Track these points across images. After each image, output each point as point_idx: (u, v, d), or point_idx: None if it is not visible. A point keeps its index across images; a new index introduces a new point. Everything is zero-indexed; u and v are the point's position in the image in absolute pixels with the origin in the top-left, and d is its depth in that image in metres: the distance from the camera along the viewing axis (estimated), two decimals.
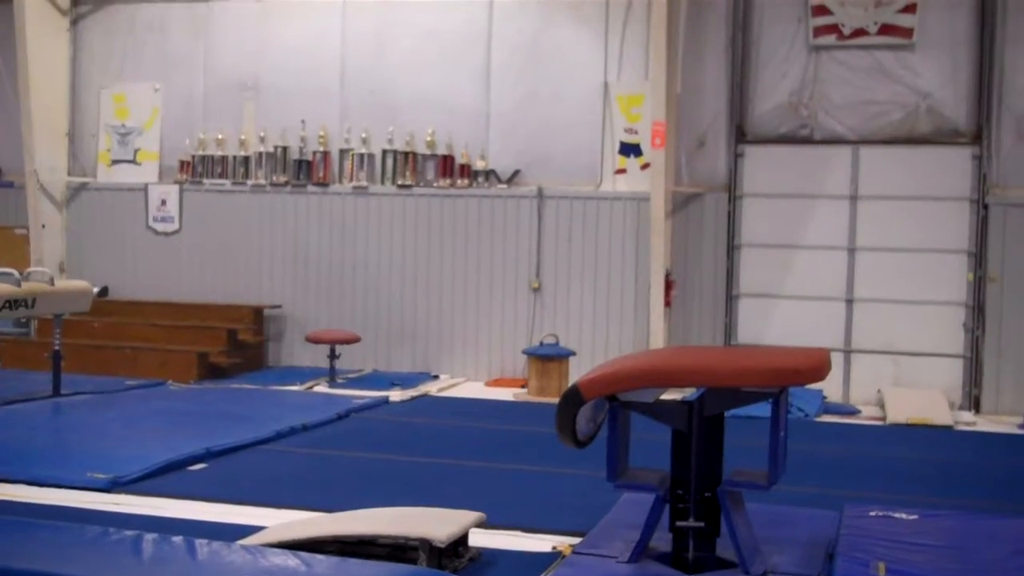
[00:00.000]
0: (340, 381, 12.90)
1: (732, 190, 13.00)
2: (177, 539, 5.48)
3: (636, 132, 13.34)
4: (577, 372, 11.42)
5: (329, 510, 6.59)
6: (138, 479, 7.69)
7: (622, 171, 13.46)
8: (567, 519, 6.83)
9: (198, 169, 14.75)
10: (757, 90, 13.12)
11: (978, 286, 12.39)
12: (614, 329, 13.33)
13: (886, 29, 12.62)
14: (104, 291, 12.26)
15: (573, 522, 6.69)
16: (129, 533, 5.59)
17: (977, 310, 12.41)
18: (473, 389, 13.19)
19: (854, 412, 12.10)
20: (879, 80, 12.74)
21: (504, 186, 13.78)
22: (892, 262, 12.58)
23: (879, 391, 12.45)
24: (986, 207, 12.35)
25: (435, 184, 13.99)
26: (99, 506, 7.03)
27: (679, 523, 5.66)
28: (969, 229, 12.42)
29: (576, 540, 6.23)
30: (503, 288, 13.73)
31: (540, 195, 13.63)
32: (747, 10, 13.08)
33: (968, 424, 11.54)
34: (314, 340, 13.10)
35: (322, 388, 12.65)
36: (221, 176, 14.69)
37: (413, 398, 12.23)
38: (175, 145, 14.89)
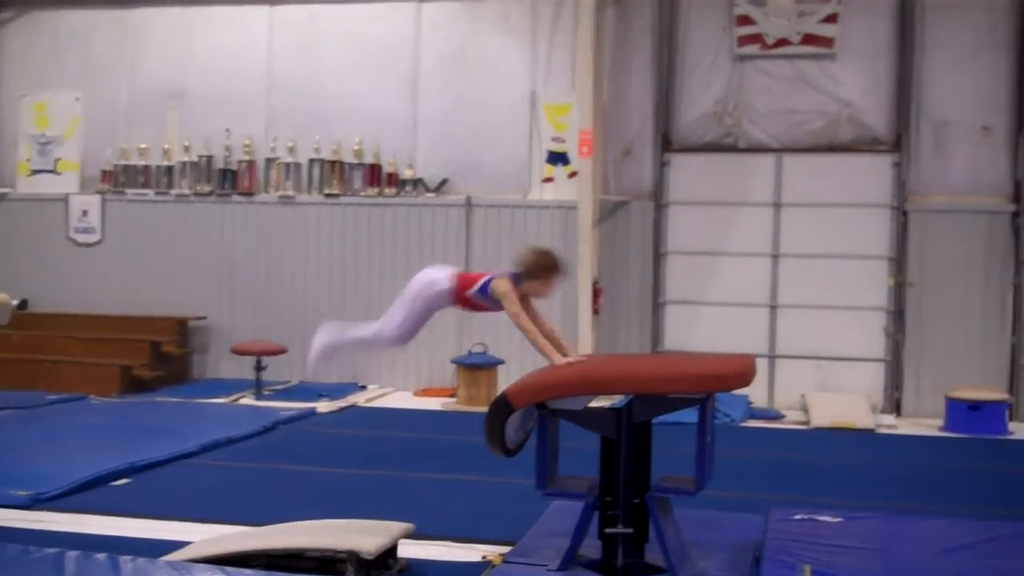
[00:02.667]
0: (266, 393, 12.76)
1: (658, 198, 13.12)
2: (100, 556, 5.38)
3: (563, 141, 13.41)
4: (506, 381, 11.41)
5: (256, 524, 6.51)
6: (60, 495, 7.53)
7: (549, 180, 13.52)
8: (497, 528, 6.82)
9: (120, 179, 14.52)
10: (683, 99, 13.26)
11: (898, 291, 12.63)
12: None
13: (808, 39, 12.83)
14: (23, 304, 12.05)
15: (503, 531, 6.68)
16: (50, 551, 5.48)
17: (897, 315, 12.64)
18: (401, 399, 13.14)
19: (779, 416, 12.26)
20: (802, 89, 12.94)
21: (432, 195, 13.76)
22: (815, 268, 12.78)
23: (803, 396, 12.62)
24: (905, 213, 12.60)
25: (362, 193, 13.92)
26: (19, 524, 6.87)
27: (608, 530, 5.68)
28: (889, 235, 12.66)
29: (506, 549, 6.23)
30: None
31: (468, 204, 13.63)
32: (672, 20, 13.22)
33: (890, 427, 11.74)
34: (240, 352, 12.95)
35: (248, 400, 12.51)
36: (144, 186, 14.48)
37: (341, 409, 12.15)
38: (97, 154, 14.65)
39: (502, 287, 5.98)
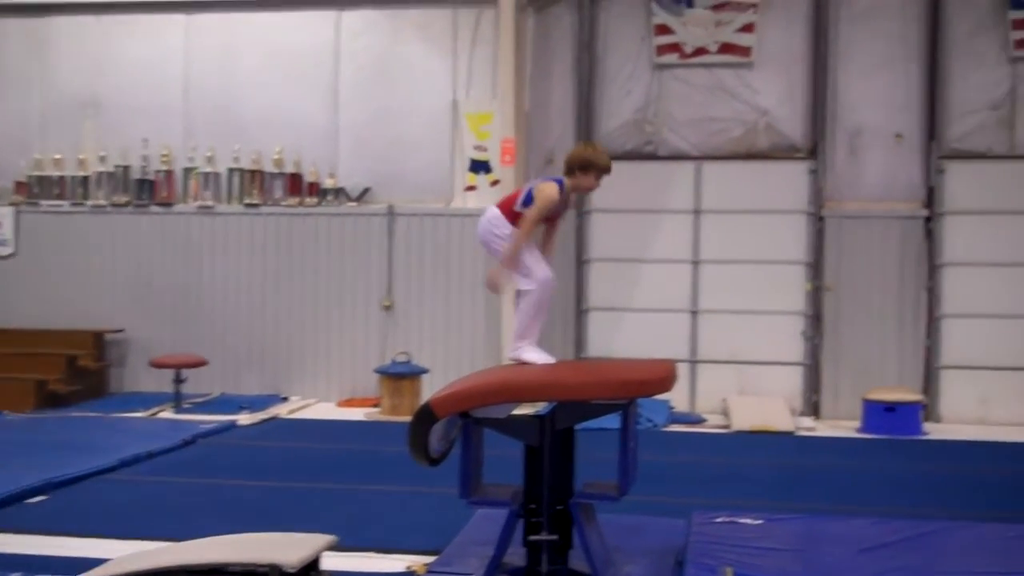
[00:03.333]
0: (186, 406, 12.58)
1: (580, 206, 13.19)
2: (16, 575, 5.26)
3: (485, 149, 13.42)
4: (430, 390, 11.41)
5: (176, 539, 6.41)
6: None
7: (472, 188, 13.52)
8: (421, 538, 6.80)
9: (34, 190, 14.22)
10: (603, 108, 13.35)
11: (815, 296, 12.84)
12: (466, 346, 13.36)
13: (726, 48, 13.00)
14: None
15: (427, 541, 6.66)
16: None
17: (815, 319, 12.85)
18: (324, 410, 13.04)
19: (700, 421, 12.38)
20: (720, 97, 13.11)
21: (354, 204, 13.69)
22: (734, 274, 12.95)
23: (724, 400, 12.77)
24: (822, 219, 12.82)
25: (283, 203, 13.81)
26: None
27: (532, 537, 5.68)
28: (806, 241, 12.87)
29: (431, 559, 6.21)
30: (354, 307, 13.62)
31: (391, 213, 13.59)
32: (592, 29, 13.31)
33: (808, 430, 11.93)
34: (158, 365, 12.75)
35: (167, 414, 12.32)
36: (59, 197, 14.21)
37: (262, 421, 12.01)
38: (9, 165, 14.33)
39: (546, 188, 5.98)
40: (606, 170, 6.14)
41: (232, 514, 7.44)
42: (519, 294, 6.21)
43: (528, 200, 6.00)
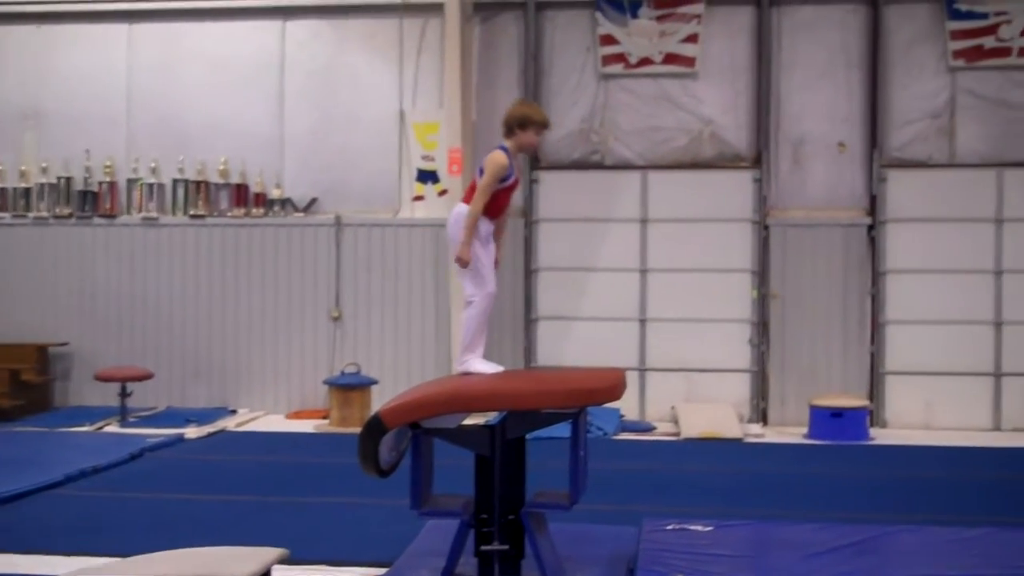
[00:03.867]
0: (132, 420, 12.43)
1: (528, 215, 13.23)
2: None
3: (433, 159, 13.42)
4: (379, 401, 11.36)
5: (124, 555, 6.32)
6: None
7: (420, 198, 13.51)
8: (372, 550, 6.77)
9: None
10: (550, 117, 13.33)
11: (762, 303, 12.96)
12: (416, 356, 13.33)
13: (670, 58, 13.11)
14: None
15: (378, 553, 6.63)
16: None
17: (762, 326, 12.97)
18: (273, 423, 12.94)
19: (650, 429, 12.45)
20: (665, 107, 13.22)
21: (301, 214, 13.62)
22: (681, 282, 13.04)
23: (673, 407, 12.85)
24: (767, 228, 12.95)
25: (229, 214, 13.70)
26: None
27: (484, 547, 5.68)
28: (752, 249, 12.99)
29: (382, 571, 6.19)
30: (302, 318, 13.55)
31: (338, 223, 13.53)
32: (538, 39, 13.36)
33: (756, 436, 12.03)
34: (103, 378, 12.58)
35: (113, 428, 12.16)
36: (0, 209, 14.00)
37: (210, 434, 11.90)
38: None
39: (493, 156, 6.01)
40: (544, 124, 6.20)
41: (180, 529, 7.36)
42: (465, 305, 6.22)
43: (481, 173, 6.06)
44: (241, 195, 13.69)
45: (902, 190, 12.87)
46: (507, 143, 6.12)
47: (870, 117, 12.91)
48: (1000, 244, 12.69)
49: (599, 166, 13.32)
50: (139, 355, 13.48)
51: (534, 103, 6.35)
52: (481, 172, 6.05)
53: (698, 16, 12.99)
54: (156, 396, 13.42)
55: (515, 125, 6.09)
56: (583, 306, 13.22)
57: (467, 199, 6.11)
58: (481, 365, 6.07)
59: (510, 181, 6.11)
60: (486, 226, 6.14)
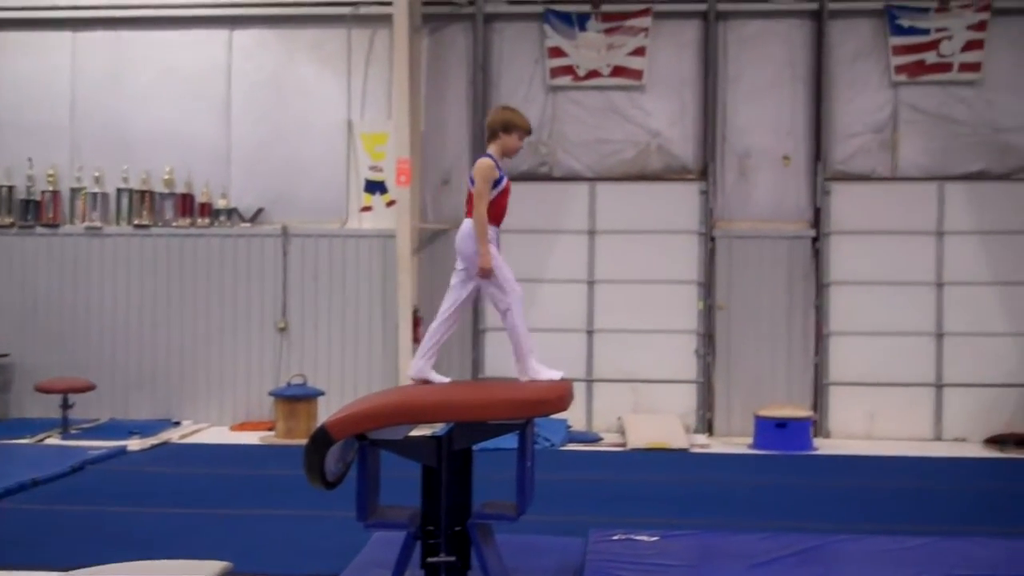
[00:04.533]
0: (74, 432, 12.26)
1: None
2: None
3: (381, 170, 13.39)
4: (326, 412, 11.31)
5: (66, 569, 6.24)
6: None
7: (368, 209, 13.47)
8: (318, 562, 6.73)
9: None
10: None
11: (708, 314, 13.05)
12: (363, 367, 13.27)
13: (618, 71, 13.18)
14: None
15: (324, 565, 6.59)
16: None
17: (708, 337, 13.06)
18: (217, 435, 12.82)
19: (597, 439, 12.48)
20: (613, 120, 13.29)
21: (247, 225, 13.52)
22: (629, 293, 13.10)
23: (619, 418, 12.90)
24: (713, 239, 13.05)
25: (174, 224, 13.58)
26: None
27: (430, 559, 5.67)
28: (698, 260, 13.09)
29: None
30: (248, 329, 13.44)
31: (285, 233, 13.45)
32: (487, 51, 13.39)
33: (702, 446, 12.11)
34: (45, 389, 12.39)
35: (54, 440, 11.98)
36: None
37: (153, 447, 11.76)
38: None
39: (480, 164, 6.05)
40: (528, 129, 6.27)
41: (123, 542, 7.27)
42: (503, 315, 6.18)
43: (473, 182, 6.09)
44: (186, 205, 13.57)
45: (846, 203, 13.03)
46: (491, 148, 6.17)
47: (814, 130, 13.07)
48: (941, 256, 12.88)
49: (547, 178, 13.37)
50: (81, 366, 13.30)
51: (516, 108, 6.35)
52: (472, 182, 6.07)
53: (645, 29, 13.08)
54: (98, 408, 13.25)
55: (499, 129, 6.15)
56: (531, 317, 13.11)
57: (469, 212, 6.12)
58: (545, 372, 6.11)
59: (503, 184, 6.17)
60: (493, 232, 6.18)
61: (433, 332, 6.29)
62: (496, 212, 6.18)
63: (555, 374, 6.13)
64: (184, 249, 13.52)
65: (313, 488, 5.59)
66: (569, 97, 13.35)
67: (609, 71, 13.20)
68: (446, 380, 6.22)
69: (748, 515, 8.42)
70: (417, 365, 6.23)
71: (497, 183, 6.11)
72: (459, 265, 6.27)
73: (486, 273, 6.05)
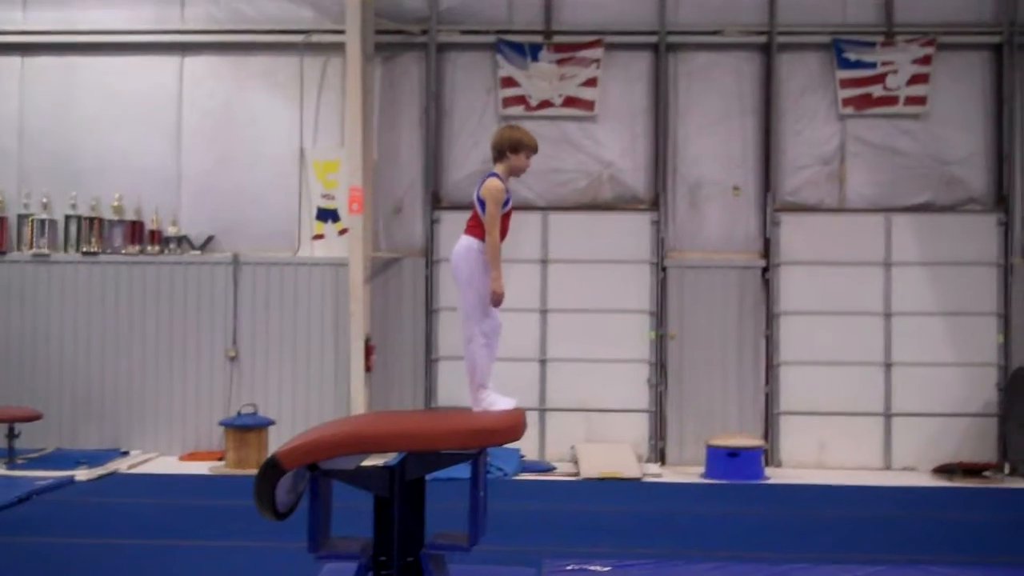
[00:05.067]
0: (20, 462, 12.05)
1: (429, 255, 13.22)
2: None
3: (333, 198, 13.36)
4: (277, 442, 11.21)
5: None
6: None
7: (320, 237, 13.42)
8: None
9: None
10: (451, 158, 13.46)
11: (660, 344, 13.11)
12: (315, 396, 13.19)
13: (570, 101, 13.27)
14: None
15: None
16: None
17: (659, 366, 13.11)
18: (166, 464, 12.67)
19: (550, 469, 12.47)
20: (565, 149, 13.36)
21: (197, 252, 13.43)
22: (581, 323, 13.13)
23: (572, 447, 12.90)
24: (664, 269, 13.13)
25: (123, 251, 13.45)
26: None
27: None
28: (650, 290, 13.16)
29: None
30: (198, 358, 13.31)
31: (236, 261, 13.37)
32: (440, 80, 13.43)
33: (655, 476, 12.13)
34: None
35: (0, 470, 11.78)
36: None
37: (101, 477, 11.60)
38: None
39: (489, 185, 6.06)
40: (535, 148, 6.27)
41: (71, 574, 7.15)
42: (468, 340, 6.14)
43: (483, 207, 6.12)
44: (136, 232, 13.45)
45: (795, 234, 13.17)
46: (498, 168, 6.18)
47: (764, 162, 13.22)
48: (889, 287, 13.05)
49: None
50: (27, 395, 13.10)
51: (522, 127, 6.38)
52: (480, 202, 6.05)
53: (597, 60, 13.19)
54: (45, 437, 13.04)
55: (507, 149, 6.17)
56: None
57: (469, 231, 6.11)
58: (499, 402, 6.09)
59: (509, 206, 6.17)
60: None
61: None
62: (499, 233, 6.15)
63: (508, 403, 6.12)
64: (133, 277, 13.39)
65: (264, 519, 5.55)
66: (521, 126, 13.36)
67: (561, 101, 13.28)
68: (509, 402, 6.20)
69: (701, 544, 8.44)
70: (488, 398, 6.18)
71: (504, 204, 6.12)
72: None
73: (497, 299, 6.05)
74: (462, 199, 13.35)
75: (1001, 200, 13.06)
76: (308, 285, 13.27)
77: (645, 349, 13.17)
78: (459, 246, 6.18)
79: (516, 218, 13.40)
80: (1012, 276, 12.92)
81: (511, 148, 6.19)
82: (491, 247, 6.02)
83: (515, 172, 6.29)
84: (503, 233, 6.23)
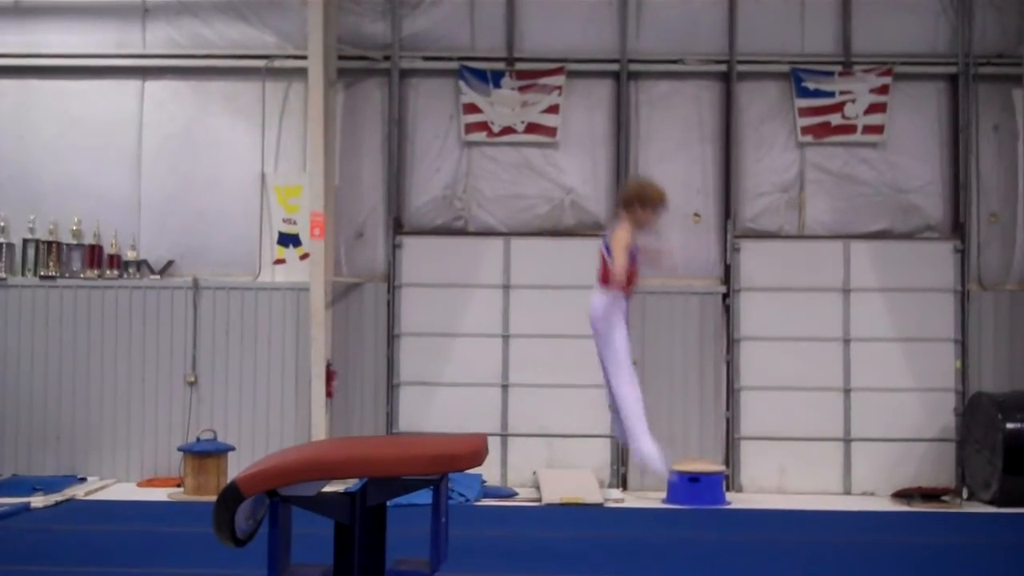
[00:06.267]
0: None
1: (391, 280, 13.20)
2: None
3: (295, 222, 13.32)
4: (236, 468, 11.13)
5: None
6: None
7: (281, 261, 13.37)
8: None
9: None
10: (413, 183, 13.47)
11: None
12: (275, 422, 13.10)
13: (532, 128, 13.33)
14: None
15: None
16: None
17: None
18: (124, 491, 12.53)
19: (512, 495, 12.45)
20: (527, 175, 13.41)
21: (157, 277, 13.33)
22: (543, 348, 13.13)
23: (534, 473, 12.89)
24: None
25: (82, 275, 13.33)
26: None
27: None
28: None
29: None
30: (156, 383, 13.19)
31: (196, 286, 13.29)
32: (402, 106, 13.45)
33: (616, 501, 12.14)
34: None
35: None
36: None
37: (58, 503, 11.45)
38: None
39: (616, 234, 6.07)
40: (664, 201, 6.25)
41: None
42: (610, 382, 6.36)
43: (609, 252, 6.18)
44: (95, 256, 13.34)
45: (755, 260, 13.28)
46: (626, 219, 6.17)
47: (724, 189, 13.33)
48: (848, 313, 13.16)
49: (462, 232, 13.41)
50: None
51: (651, 180, 6.49)
52: (608, 250, 6.11)
53: (559, 87, 13.27)
54: (1, 463, 12.87)
55: (636, 202, 6.19)
56: (445, 371, 13.20)
57: (602, 279, 6.18)
58: (653, 456, 6.08)
59: (636, 260, 6.20)
60: (622, 306, 6.16)
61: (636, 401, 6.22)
62: (628, 283, 6.26)
63: (660, 466, 6.11)
64: (92, 301, 13.27)
65: (223, 546, 5.49)
66: (484, 153, 13.45)
67: (523, 128, 13.34)
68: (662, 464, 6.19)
69: (663, 570, 8.45)
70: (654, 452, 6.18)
71: (632, 255, 6.18)
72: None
73: (618, 276, 5.99)
74: (424, 224, 13.40)
75: (957, 227, 13.24)
76: (269, 310, 13.20)
77: None
78: (591, 301, 6.23)
79: (478, 243, 13.61)
80: (969, 303, 13.08)
81: (640, 202, 6.24)
82: (615, 265, 6.09)
83: (643, 225, 6.34)
84: (632, 283, 6.29)
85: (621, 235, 6.16)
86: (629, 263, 6.26)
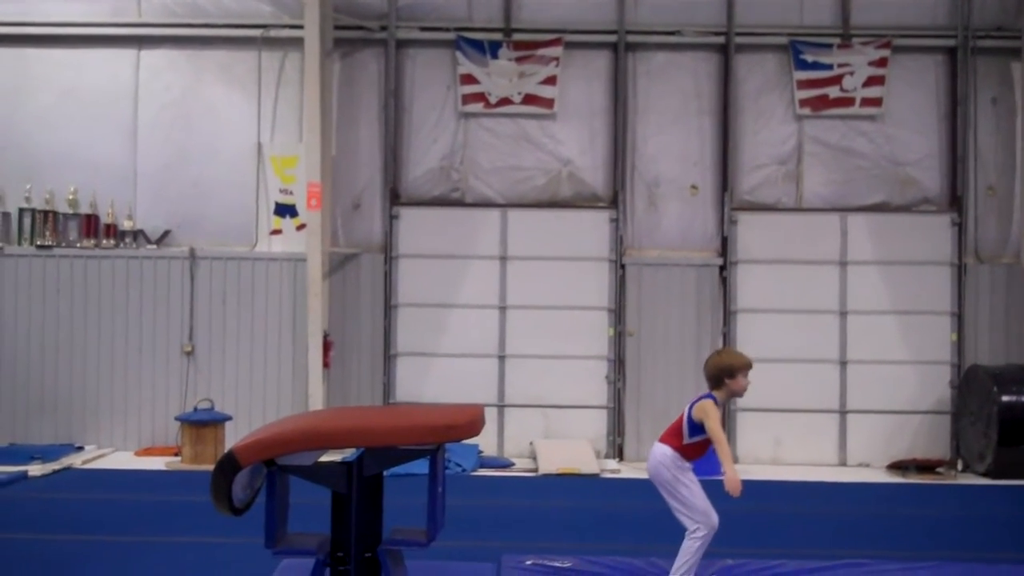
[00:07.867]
0: None
1: (388, 251, 13.19)
2: None
3: (291, 193, 13.29)
4: (234, 437, 11.17)
5: None
6: None
7: (278, 232, 13.35)
8: None
9: None
10: (410, 154, 13.43)
11: (618, 340, 13.17)
12: (272, 392, 13.12)
13: (529, 99, 13.29)
14: None
15: None
16: None
17: (618, 363, 13.17)
18: (122, 460, 12.57)
19: (508, 465, 12.49)
20: (524, 147, 13.38)
21: (153, 247, 13.31)
22: (540, 319, 13.16)
23: (531, 443, 12.93)
24: (623, 266, 13.18)
25: (78, 244, 13.31)
26: None
27: None
28: (609, 287, 13.21)
29: None
30: (154, 352, 13.20)
31: (192, 256, 13.27)
32: (399, 77, 13.40)
33: (613, 472, 12.19)
34: None
35: None
36: None
37: (55, 472, 11.48)
38: None
39: (705, 407, 6.27)
40: (750, 365, 6.48)
41: (24, 570, 7.09)
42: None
43: (693, 427, 6.35)
44: (91, 226, 13.32)
45: (752, 232, 13.27)
46: (716, 394, 6.38)
47: (721, 161, 13.30)
48: (844, 286, 13.18)
49: (459, 203, 13.40)
50: None
51: (732, 350, 6.58)
52: (690, 417, 6.33)
53: (556, 59, 13.21)
54: None
55: (724, 376, 6.29)
56: (442, 342, 13.22)
57: (664, 439, 6.39)
58: None
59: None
60: (688, 465, 6.45)
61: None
62: (696, 452, 6.48)
63: None
64: (88, 271, 13.26)
65: (220, 515, 5.52)
66: (481, 124, 13.41)
67: (520, 99, 13.29)
68: None
69: (658, 540, 8.47)
70: None
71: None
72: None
73: (738, 490, 6.33)
74: (421, 195, 13.37)
75: (955, 201, 13.24)
76: (265, 280, 13.20)
77: (604, 346, 13.21)
78: (655, 452, 6.41)
79: (476, 215, 13.61)
80: (965, 276, 13.09)
81: (727, 375, 6.34)
82: (720, 442, 6.33)
83: (736, 394, 6.45)
84: (700, 454, 6.53)
85: (710, 407, 6.28)
86: (704, 439, 6.45)
